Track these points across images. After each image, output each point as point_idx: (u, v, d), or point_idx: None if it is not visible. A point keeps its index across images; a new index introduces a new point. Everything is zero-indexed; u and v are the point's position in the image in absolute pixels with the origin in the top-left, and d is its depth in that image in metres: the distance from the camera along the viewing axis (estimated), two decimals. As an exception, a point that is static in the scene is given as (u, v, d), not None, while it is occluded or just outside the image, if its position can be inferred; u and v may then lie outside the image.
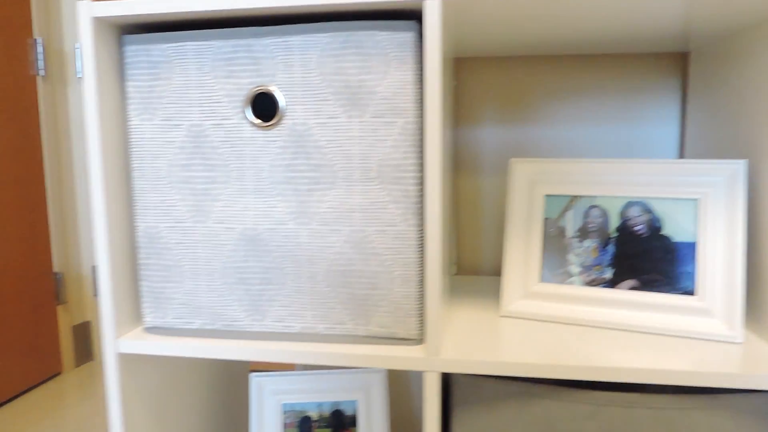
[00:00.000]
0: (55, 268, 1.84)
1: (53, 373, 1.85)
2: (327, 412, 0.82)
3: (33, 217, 1.75)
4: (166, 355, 0.70)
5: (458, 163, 0.93)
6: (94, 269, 1.93)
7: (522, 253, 0.71)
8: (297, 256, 0.62)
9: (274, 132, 0.60)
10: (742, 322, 0.61)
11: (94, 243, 0.63)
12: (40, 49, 1.73)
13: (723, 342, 0.61)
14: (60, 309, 1.86)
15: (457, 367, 0.58)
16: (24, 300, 1.71)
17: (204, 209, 0.63)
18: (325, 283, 0.62)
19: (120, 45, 0.65)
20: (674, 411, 0.57)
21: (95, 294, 1.95)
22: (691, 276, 0.64)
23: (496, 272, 0.94)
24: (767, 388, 0.53)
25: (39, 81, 1.75)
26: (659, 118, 0.87)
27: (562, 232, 0.70)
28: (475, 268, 0.94)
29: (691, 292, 0.64)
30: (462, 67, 0.91)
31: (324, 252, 0.61)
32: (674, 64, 0.86)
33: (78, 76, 1.83)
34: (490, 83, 0.91)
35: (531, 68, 0.90)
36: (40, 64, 1.74)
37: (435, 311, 0.58)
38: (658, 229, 0.66)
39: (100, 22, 0.60)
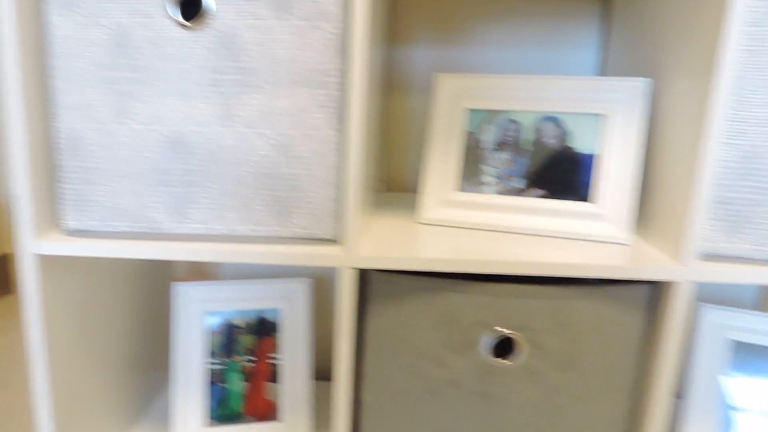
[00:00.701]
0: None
1: (-33, 307, 1.78)
2: (252, 319, 0.85)
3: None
4: (87, 257, 0.70)
5: (390, 82, 0.95)
6: (14, 198, 1.84)
7: (441, 164, 0.75)
8: (221, 158, 0.63)
9: (200, 33, 0.60)
10: (633, 227, 0.68)
11: (9, 144, 0.62)
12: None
13: (615, 243, 0.68)
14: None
15: (370, 263, 0.62)
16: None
17: (127, 111, 0.62)
18: (248, 185, 0.64)
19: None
20: (560, 300, 0.64)
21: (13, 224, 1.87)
22: (591, 185, 0.70)
23: (421, 192, 0.98)
24: (642, 278, 0.61)
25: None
26: (581, 41, 0.92)
27: (480, 144, 0.75)
28: (403, 186, 0.98)
29: (588, 199, 0.70)
30: (393, -10, 0.93)
31: (248, 155, 0.63)
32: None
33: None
34: (419, 6, 0.93)
35: (458, -4, 0.92)
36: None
37: (353, 211, 0.61)
38: (567, 142, 0.72)
39: None
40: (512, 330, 0.64)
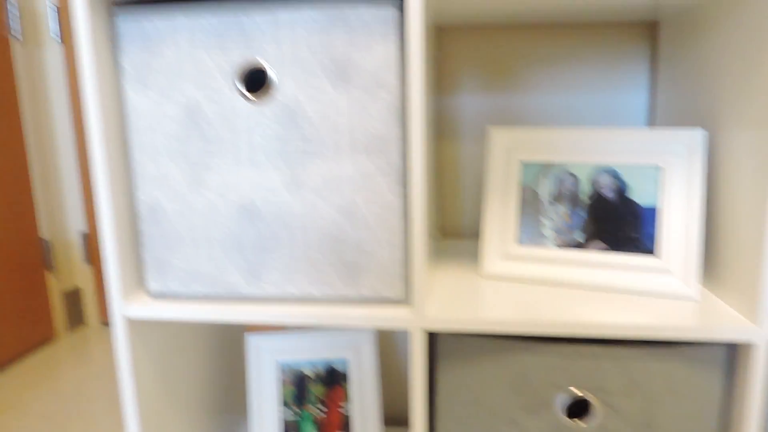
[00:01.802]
0: (43, 235, 1.86)
1: (46, 339, 1.89)
2: (321, 370, 0.88)
3: (16, 183, 1.76)
4: (171, 319, 0.74)
5: (440, 129, 0.97)
6: (82, 235, 1.95)
7: (500, 218, 0.76)
8: (290, 224, 0.66)
9: (265, 105, 0.63)
10: (699, 280, 0.66)
11: (99, 215, 0.66)
12: (14, 10, 1.70)
13: (681, 299, 0.67)
14: (49, 275, 1.89)
15: (440, 325, 0.63)
16: (13, 267, 1.73)
17: (201, 180, 0.66)
18: (317, 249, 0.66)
19: (112, 17, 0.66)
20: (634, 361, 0.63)
21: (85, 260, 1.97)
22: (653, 238, 0.69)
23: (477, 235, 0.99)
24: (717, 339, 0.59)
25: (13, 43, 1.72)
26: (629, 85, 0.91)
27: (537, 197, 0.75)
28: (457, 231, 0.99)
29: (652, 253, 0.69)
30: (443, 35, 0.94)
31: (315, 220, 0.65)
32: (644, 32, 0.90)
33: (52, 36, 1.81)
34: (470, 52, 0.94)
35: (509, 37, 0.92)
36: (14, 25, 1.71)
37: (420, 274, 0.63)
38: (625, 194, 0.71)
39: (94, -1, 0.62)
40: (586, 391, 0.64)
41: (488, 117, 0.95)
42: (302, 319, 0.66)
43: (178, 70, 0.63)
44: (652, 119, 0.91)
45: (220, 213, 0.67)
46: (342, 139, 0.63)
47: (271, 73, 0.62)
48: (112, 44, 0.66)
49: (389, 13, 0.59)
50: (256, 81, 0.64)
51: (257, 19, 0.61)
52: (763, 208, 0.58)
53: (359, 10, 0.59)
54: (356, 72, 0.61)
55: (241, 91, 0.63)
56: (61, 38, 1.80)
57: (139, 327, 0.72)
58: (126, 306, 0.68)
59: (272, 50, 0.62)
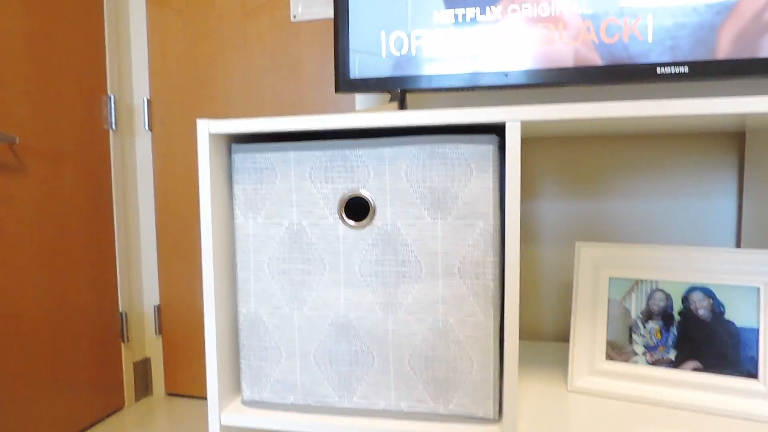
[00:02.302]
0: (121, 308, 1.95)
1: (116, 408, 1.95)
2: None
3: (102, 259, 1.87)
4: (263, 429, 0.76)
5: (522, 234, 0.99)
6: (155, 308, 2.04)
7: (588, 332, 0.76)
8: (384, 341, 0.68)
9: (365, 231, 0.67)
10: (805, 409, 0.64)
11: (205, 326, 0.71)
12: (112, 104, 1.87)
13: (786, 428, 0.65)
14: (123, 347, 1.97)
15: (534, 449, 0.63)
16: (91, 338, 1.83)
17: (300, 298, 0.70)
18: (409, 366, 0.68)
19: (229, 152, 0.73)
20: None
21: (156, 332, 2.06)
22: (754, 361, 0.68)
23: (557, 338, 0.99)
24: (832, 479, 0.57)
25: (110, 134, 1.88)
26: (717, 194, 0.91)
27: (626, 313, 0.75)
28: (536, 334, 0.99)
29: (754, 376, 0.68)
30: (526, 144, 0.98)
31: (409, 339, 0.68)
32: (730, 142, 0.91)
33: (145, 128, 1.96)
34: (554, 160, 0.97)
35: (589, 146, 0.95)
36: (112, 119, 1.87)
37: (511, 395, 0.63)
38: (721, 314, 0.70)
39: (215, 137, 0.69)
40: None
41: (569, 222, 0.97)
42: (395, 437, 0.67)
43: (286, 197, 0.69)
44: (740, 229, 0.91)
45: (317, 329, 0.70)
46: (437, 264, 0.66)
47: (371, 202, 0.67)
48: (228, 176, 0.73)
49: (488, 149, 0.63)
50: (357, 208, 0.69)
51: (361, 154, 0.66)
52: None
53: (458, 147, 0.63)
54: (453, 202, 0.65)
55: (342, 218, 0.68)
56: (150, 127, 1.96)
57: (231, 431, 0.75)
58: (222, 413, 0.72)
59: (374, 181, 0.66)
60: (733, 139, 0.91)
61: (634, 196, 0.94)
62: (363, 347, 0.69)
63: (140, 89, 1.96)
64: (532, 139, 0.98)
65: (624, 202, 0.94)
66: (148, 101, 1.95)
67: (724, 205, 0.91)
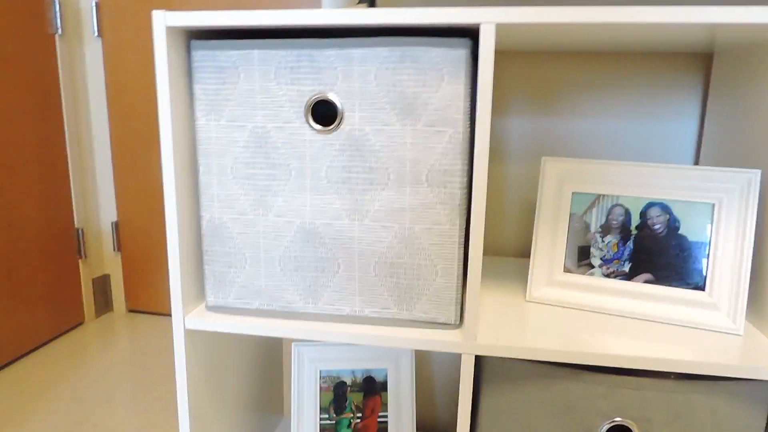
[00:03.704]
0: (76, 224, 1.90)
1: (75, 323, 1.94)
2: (360, 378, 0.91)
3: (54, 174, 1.80)
4: (227, 332, 0.77)
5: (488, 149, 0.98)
6: (113, 225, 2.00)
7: (549, 245, 0.78)
8: (349, 248, 0.69)
9: (332, 136, 0.66)
10: (744, 316, 0.69)
11: (166, 230, 0.70)
12: (57, 7, 1.73)
13: (726, 333, 0.69)
14: (81, 263, 1.94)
15: (490, 351, 0.66)
16: (47, 254, 1.78)
17: (265, 204, 0.69)
18: (374, 272, 0.69)
19: (188, 49, 0.69)
20: (678, 394, 0.65)
21: (114, 248, 2.02)
22: (702, 273, 0.71)
23: (519, 254, 1.01)
24: (760, 378, 0.62)
25: (57, 39, 1.75)
26: (680, 115, 0.93)
27: (586, 227, 0.77)
28: (498, 249, 1.01)
29: (701, 288, 0.71)
30: (495, 57, 0.95)
31: (374, 246, 0.68)
32: (698, 63, 0.91)
33: (94, 35, 1.83)
34: (520, 76, 0.95)
35: (558, 63, 0.94)
36: (58, 22, 1.74)
37: (473, 301, 0.65)
38: (676, 228, 0.73)
39: (172, 31, 0.64)
40: (629, 420, 0.66)
41: (534, 140, 0.97)
42: (356, 339, 0.69)
43: (250, 99, 0.66)
44: (700, 149, 0.93)
45: (282, 235, 0.69)
46: (405, 171, 0.65)
47: (339, 106, 0.64)
48: (187, 74, 0.69)
49: (461, 53, 0.61)
50: (324, 112, 0.67)
51: (329, 54, 0.63)
52: (813, 256, 0.60)
53: (430, 51, 0.61)
54: (423, 108, 0.63)
55: (309, 123, 0.65)
56: (100, 33, 1.83)
57: (195, 336, 0.75)
58: (186, 318, 0.72)
59: (342, 84, 0.64)
60: (701, 60, 0.91)
61: (599, 114, 0.94)
62: (329, 254, 0.69)
63: (88, -11, 1.81)
64: (500, 53, 0.95)
65: (589, 119, 0.95)
66: (97, 4, 1.81)
67: (686, 126, 0.93)
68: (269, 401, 1.07)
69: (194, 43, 0.66)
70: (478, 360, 0.74)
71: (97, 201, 2.00)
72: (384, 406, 0.91)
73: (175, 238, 0.69)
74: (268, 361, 1.05)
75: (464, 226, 0.68)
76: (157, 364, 1.70)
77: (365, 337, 0.68)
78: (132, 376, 1.62)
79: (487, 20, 0.58)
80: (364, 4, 0.76)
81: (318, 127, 0.66)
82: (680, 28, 0.61)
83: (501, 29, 0.62)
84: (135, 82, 1.86)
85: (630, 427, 0.67)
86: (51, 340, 1.84)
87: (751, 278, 0.74)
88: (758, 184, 0.68)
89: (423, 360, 1.10)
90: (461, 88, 0.62)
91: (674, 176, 0.72)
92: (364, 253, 0.68)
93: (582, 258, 0.77)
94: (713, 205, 0.71)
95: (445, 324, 0.69)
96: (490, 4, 0.66)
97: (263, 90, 0.65)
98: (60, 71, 1.78)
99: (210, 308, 0.74)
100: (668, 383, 0.65)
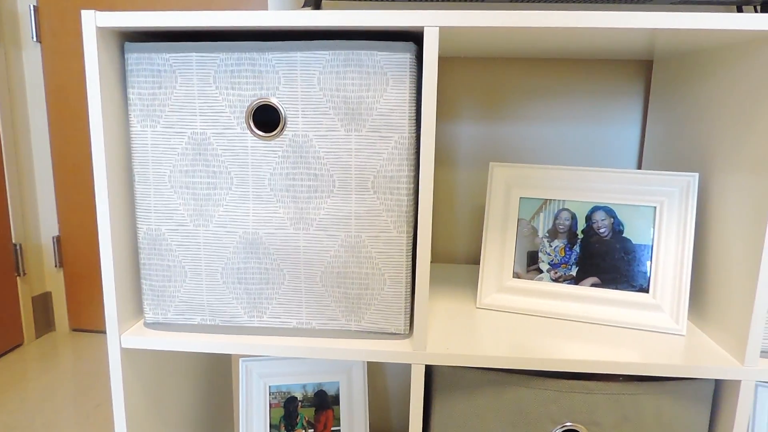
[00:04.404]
0: (14, 240, 1.80)
1: (14, 344, 1.84)
2: (311, 392, 0.88)
3: (-11, 187, 1.70)
4: (167, 350, 0.73)
5: (435, 157, 0.98)
6: (53, 240, 1.90)
7: (498, 251, 0.78)
8: (295, 258, 0.66)
9: (275, 142, 0.64)
10: (686, 316, 0.70)
11: (99, 244, 0.66)
12: (-10, 10, 1.64)
13: (669, 334, 0.70)
14: (19, 280, 1.83)
15: (440, 360, 0.65)
16: (-19, 271, 1.68)
17: (205, 213, 0.66)
18: (320, 283, 0.67)
19: (122, 52, 0.65)
20: (626, 396, 0.65)
21: (56, 264, 1.93)
22: (646, 275, 0.72)
23: (469, 260, 1.01)
24: (703, 377, 0.63)
25: (-9, 45, 1.66)
26: (622, 120, 0.94)
27: (534, 232, 0.77)
28: (449, 256, 1.01)
29: (645, 290, 0.72)
30: (440, 63, 0.95)
31: (320, 255, 0.66)
32: (639, 70, 0.93)
33: (33, 39, 1.75)
34: (465, 81, 0.96)
35: (505, 69, 0.95)
36: (-8, 26, 1.65)
37: (422, 311, 0.64)
38: (620, 232, 0.74)
39: (104, 32, 0.61)
40: (580, 425, 0.66)
41: (482, 145, 0.97)
42: (303, 352, 0.66)
43: (188, 104, 0.63)
44: (641, 155, 0.95)
45: (224, 246, 0.67)
46: (350, 178, 0.64)
47: (281, 111, 0.63)
48: (121, 78, 0.65)
49: (405, 57, 0.60)
50: (266, 118, 0.65)
51: (271, 58, 0.61)
52: (752, 251, 0.62)
53: (374, 54, 0.60)
54: (368, 113, 0.62)
55: (251, 128, 0.63)
56: (39, 38, 1.75)
57: (133, 354, 0.71)
58: (123, 338, 0.68)
59: (285, 89, 0.62)
60: (641, 67, 0.93)
61: (545, 119, 0.96)
62: (273, 265, 0.67)
63: (24, -7, 1.73)
64: (448, 59, 0.96)
65: (536, 125, 0.96)
66: (35, 8, 1.73)
67: (629, 131, 0.95)
68: (217, 420, 1.03)
69: (128, 45, 0.63)
70: (429, 369, 0.73)
71: (37, 214, 1.90)
72: (336, 420, 0.88)
73: (108, 252, 0.65)
74: (215, 377, 1.01)
75: (412, 234, 0.67)
76: (103, 385, 1.63)
77: (313, 350, 0.66)
78: (75, 399, 1.54)
79: (431, 23, 0.57)
80: (309, 8, 0.74)
81: (260, 133, 0.63)
82: (621, 34, 0.62)
83: (445, 33, 0.61)
84: (77, 89, 1.78)
85: (580, 431, 0.67)
86: (-14, 363, 1.73)
87: (692, 279, 0.75)
88: (696, 187, 0.70)
89: (376, 370, 1.08)
90: (406, 93, 0.61)
91: (618, 180, 0.73)
92: (310, 263, 0.66)
93: (531, 263, 0.77)
94: (655, 208, 0.72)
95: (395, 334, 0.68)
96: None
97: (202, 95, 0.63)
98: (-6, 79, 1.69)
99: (148, 325, 0.70)
100: (616, 385, 0.66)
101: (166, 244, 0.67)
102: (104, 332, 1.99)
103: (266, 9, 1.55)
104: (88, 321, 1.99)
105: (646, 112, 0.94)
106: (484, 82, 0.95)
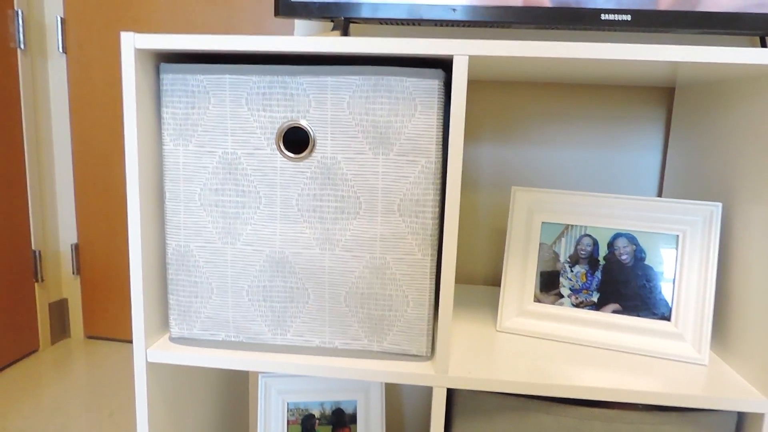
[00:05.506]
0: (33, 246, 1.83)
1: (30, 350, 1.86)
2: (328, 410, 0.89)
3: (12, 194, 1.73)
4: (191, 365, 0.74)
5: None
6: (72, 247, 1.93)
7: (519, 275, 0.78)
8: (320, 278, 0.67)
9: (303, 164, 0.65)
10: (709, 346, 0.70)
11: (130, 258, 0.67)
12: (20, 21, 1.68)
13: (691, 363, 0.70)
14: (37, 286, 1.86)
15: (462, 383, 0.65)
16: (1, 277, 1.70)
17: (234, 232, 0.67)
18: (344, 303, 0.68)
19: (157, 72, 0.67)
20: (647, 426, 0.65)
21: (73, 271, 1.95)
22: (667, 303, 0.72)
23: (488, 281, 1.01)
24: (725, 408, 0.62)
25: (19, 54, 1.70)
26: (643, 146, 0.95)
27: (555, 256, 0.77)
28: (469, 278, 1.01)
29: (667, 318, 0.72)
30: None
31: (345, 276, 0.67)
32: (660, 97, 0.94)
33: (59, 50, 1.79)
34: (487, 106, 0.97)
35: (525, 94, 0.96)
36: (20, 36, 1.69)
37: (445, 334, 0.65)
38: (642, 259, 0.74)
39: (141, 53, 0.63)
40: (598, 454, 0.66)
41: (504, 168, 0.98)
42: (326, 372, 0.67)
43: (220, 124, 0.65)
44: (662, 181, 0.95)
45: (251, 264, 0.68)
46: (377, 200, 0.65)
47: (311, 133, 0.64)
48: (156, 98, 0.67)
49: (434, 84, 0.61)
50: (296, 140, 0.66)
51: (302, 82, 0.63)
52: (774, 288, 0.62)
53: (404, 81, 0.61)
54: (396, 137, 0.63)
55: (281, 149, 0.64)
56: (65, 50, 1.79)
57: (157, 368, 0.72)
58: (149, 350, 0.69)
59: (315, 112, 0.63)
60: (664, 94, 0.94)
61: (566, 144, 0.96)
62: (298, 284, 0.68)
63: (53, 5, 1.78)
64: (471, 82, 0.97)
65: (557, 150, 0.96)
66: (62, 19, 1.77)
67: (650, 157, 0.95)
68: (233, 433, 1.03)
69: (164, 66, 0.65)
70: (450, 392, 0.73)
71: (57, 222, 1.93)
72: (353, 438, 0.89)
73: (138, 267, 0.66)
74: (234, 392, 1.01)
75: (436, 256, 0.67)
76: (116, 393, 1.64)
77: (335, 369, 0.67)
78: (89, 406, 1.55)
79: (461, 52, 0.58)
80: (337, 32, 0.76)
81: (289, 154, 0.65)
82: (643, 65, 0.62)
83: (473, 61, 0.62)
84: (100, 100, 1.82)
85: (600, 459, 0.66)
86: (2, 369, 1.75)
87: (714, 309, 0.75)
88: (719, 217, 0.70)
89: (393, 391, 1.08)
90: (434, 118, 0.62)
91: (640, 208, 0.74)
92: (335, 283, 0.67)
93: (551, 288, 0.77)
94: (677, 237, 0.72)
95: (417, 356, 0.68)
96: (457, 37, 0.66)
97: (234, 115, 0.64)
98: (21, 87, 1.72)
99: (174, 340, 0.71)
100: (636, 415, 0.66)
101: (194, 260, 0.68)
102: (119, 340, 2.00)
103: (289, 28, 1.57)
104: (102, 328, 2.00)
105: (667, 139, 0.94)
106: (504, 106, 0.96)
